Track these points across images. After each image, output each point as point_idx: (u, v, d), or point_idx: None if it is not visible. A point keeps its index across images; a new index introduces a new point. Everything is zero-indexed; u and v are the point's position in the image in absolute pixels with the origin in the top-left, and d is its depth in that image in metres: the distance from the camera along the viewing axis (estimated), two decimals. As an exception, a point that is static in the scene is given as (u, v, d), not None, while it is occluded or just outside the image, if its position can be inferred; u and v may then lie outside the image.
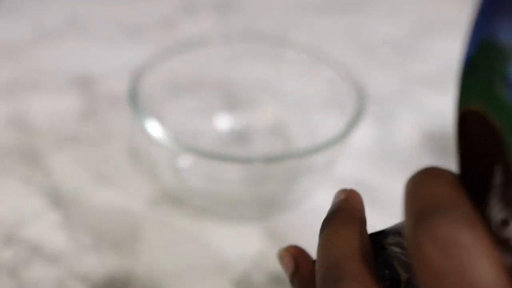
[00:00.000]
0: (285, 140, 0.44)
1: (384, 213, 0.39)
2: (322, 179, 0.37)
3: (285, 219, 0.38)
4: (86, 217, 0.38)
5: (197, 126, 0.43)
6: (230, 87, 0.44)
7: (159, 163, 0.37)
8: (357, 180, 0.42)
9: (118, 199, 0.39)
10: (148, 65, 0.38)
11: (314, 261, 0.23)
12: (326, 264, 0.19)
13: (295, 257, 0.23)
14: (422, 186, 0.16)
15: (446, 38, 0.61)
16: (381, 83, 0.53)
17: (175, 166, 0.35)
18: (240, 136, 0.44)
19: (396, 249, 0.20)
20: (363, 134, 0.46)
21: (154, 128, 0.34)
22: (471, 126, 0.16)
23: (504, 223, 0.15)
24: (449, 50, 0.58)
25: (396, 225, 0.21)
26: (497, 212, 0.16)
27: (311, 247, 0.37)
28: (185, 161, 0.34)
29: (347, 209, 0.21)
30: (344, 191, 0.22)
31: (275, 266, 0.35)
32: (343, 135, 0.34)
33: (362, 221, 0.21)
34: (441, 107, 0.50)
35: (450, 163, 0.44)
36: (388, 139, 0.46)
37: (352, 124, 0.35)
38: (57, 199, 0.39)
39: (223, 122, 0.44)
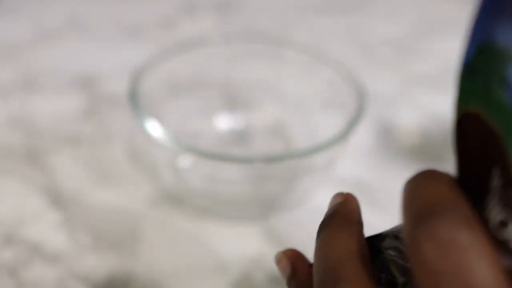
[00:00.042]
0: (285, 140, 0.44)
1: (384, 213, 0.39)
2: (322, 179, 0.37)
3: (285, 219, 0.38)
4: (86, 217, 0.38)
5: (197, 126, 0.43)
6: (230, 87, 0.44)
7: (159, 163, 0.37)
8: (357, 180, 0.42)
9: (118, 199, 0.39)
10: (148, 65, 0.38)
11: (311, 265, 0.23)
12: (323, 267, 0.19)
13: (292, 260, 0.23)
14: (420, 188, 0.16)
15: (446, 38, 0.61)
16: (381, 83, 0.53)
17: (175, 166, 0.35)
18: (240, 136, 0.44)
19: (392, 253, 0.20)
20: (363, 134, 0.46)
21: (154, 128, 0.34)
22: (469, 128, 0.16)
23: (503, 224, 0.15)
24: (449, 50, 0.58)
25: (393, 228, 0.21)
26: (495, 213, 0.16)
27: (311, 247, 0.37)
28: (185, 161, 0.34)
29: (343, 213, 0.21)
30: (341, 195, 0.22)
31: (275, 266, 0.36)
32: (343, 135, 0.34)
33: (359, 224, 0.21)
34: (441, 107, 0.50)
35: (450, 163, 0.44)
36: (388, 139, 0.46)
37: (352, 124, 0.35)
38: (57, 199, 0.39)
39: (223, 122, 0.44)
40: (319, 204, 0.40)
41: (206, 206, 0.37)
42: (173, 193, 0.40)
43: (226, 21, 0.61)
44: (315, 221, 0.39)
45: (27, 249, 0.36)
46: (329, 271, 0.18)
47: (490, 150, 0.16)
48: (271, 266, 0.36)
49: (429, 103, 0.51)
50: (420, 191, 0.16)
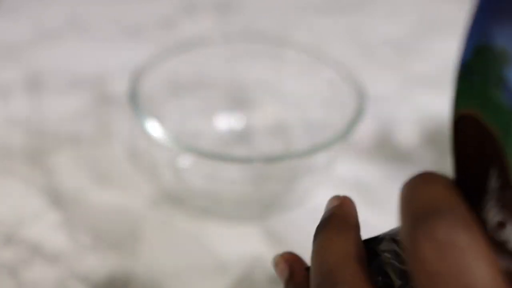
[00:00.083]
0: (285, 140, 0.44)
1: (383, 213, 0.39)
2: (322, 179, 0.37)
3: (285, 219, 0.38)
4: (86, 217, 0.38)
5: (197, 126, 0.43)
6: (230, 87, 0.44)
7: (159, 163, 0.37)
8: (357, 180, 0.42)
9: (118, 199, 0.39)
10: (148, 65, 0.38)
11: (307, 268, 0.23)
12: (320, 270, 0.19)
13: (289, 263, 0.23)
14: (417, 190, 0.16)
15: (446, 38, 0.61)
16: (381, 83, 0.53)
17: (175, 166, 0.35)
18: (240, 136, 0.44)
19: (389, 256, 0.20)
20: (363, 134, 0.46)
21: (154, 128, 0.34)
22: (467, 129, 0.16)
23: (501, 225, 0.15)
24: (449, 50, 0.58)
25: (389, 231, 0.21)
26: (493, 214, 0.16)
27: (311, 247, 0.37)
28: (185, 161, 0.34)
29: (340, 216, 0.21)
30: (337, 198, 0.22)
31: (275, 266, 0.35)
32: (343, 135, 0.34)
33: (356, 227, 0.21)
34: (441, 107, 0.50)
35: (450, 163, 0.44)
36: (388, 139, 0.46)
37: (352, 124, 0.35)
38: (57, 199, 0.39)
39: (223, 122, 0.44)
40: (319, 204, 0.40)
41: (206, 206, 0.37)
42: (173, 193, 0.40)
43: (226, 21, 0.61)
44: (315, 221, 0.39)
45: (27, 249, 0.36)
46: (326, 274, 0.18)
47: (488, 151, 0.16)
48: (271, 266, 0.36)
49: (429, 103, 0.51)
50: (417, 193, 0.16)
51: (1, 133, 0.44)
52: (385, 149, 0.45)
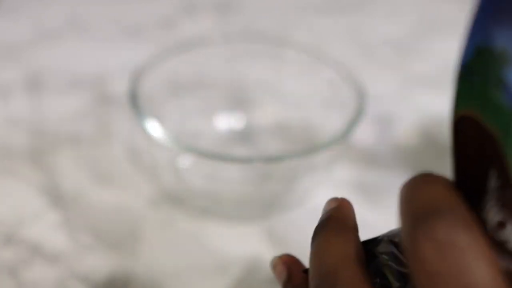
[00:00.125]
0: (285, 140, 0.44)
1: (383, 213, 0.39)
2: (322, 179, 0.37)
3: (285, 219, 0.38)
4: (86, 217, 0.38)
5: (197, 126, 0.43)
6: (230, 87, 0.44)
7: (159, 163, 0.37)
8: (357, 180, 0.42)
9: (118, 199, 0.39)
10: (148, 65, 0.38)
11: (305, 270, 0.23)
12: (319, 272, 0.19)
13: (287, 265, 0.23)
14: (417, 190, 0.16)
15: (446, 38, 0.61)
16: (381, 83, 0.53)
17: (175, 166, 0.35)
18: (240, 136, 0.44)
19: (387, 258, 0.20)
20: (363, 134, 0.46)
21: (154, 128, 0.34)
22: (467, 130, 0.17)
23: (501, 225, 0.15)
24: (449, 50, 0.58)
25: (388, 232, 0.21)
26: (493, 214, 0.16)
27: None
28: (185, 161, 0.34)
29: (338, 217, 0.21)
30: (335, 200, 0.22)
31: (275, 266, 0.35)
32: (343, 135, 0.34)
33: (354, 229, 0.21)
34: (441, 107, 0.50)
35: (449, 163, 0.44)
36: (388, 139, 0.46)
37: (352, 124, 0.35)
38: (57, 199, 0.39)
39: (223, 122, 0.44)
40: (319, 204, 0.40)
41: (206, 206, 0.37)
42: (173, 193, 0.40)
43: (226, 21, 0.61)
44: (315, 221, 0.39)
45: (27, 249, 0.36)
46: (325, 275, 0.18)
47: (487, 152, 0.16)
48: (270, 267, 0.35)
49: (429, 103, 0.51)
50: (417, 193, 0.16)
51: (1, 133, 0.44)
52: (384, 149, 0.45)
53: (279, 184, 0.35)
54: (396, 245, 0.20)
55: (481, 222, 0.16)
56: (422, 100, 0.51)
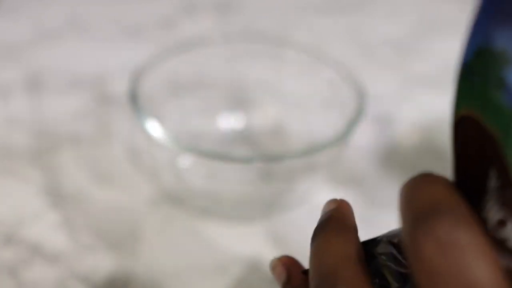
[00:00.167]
0: (285, 140, 0.44)
1: (383, 213, 0.39)
2: (322, 179, 0.37)
3: (285, 219, 0.38)
4: (86, 217, 0.38)
5: (197, 126, 0.43)
6: (230, 87, 0.44)
7: (159, 163, 0.37)
8: (357, 180, 0.42)
9: (118, 199, 0.39)
10: (148, 65, 0.38)
11: (304, 271, 0.23)
12: (319, 272, 0.19)
13: (287, 266, 0.23)
14: (418, 190, 0.17)
15: (446, 38, 0.61)
16: (381, 83, 0.53)
17: (175, 166, 0.35)
18: (240, 136, 0.44)
19: (386, 258, 0.20)
20: (363, 134, 0.46)
21: (154, 128, 0.34)
22: (467, 130, 0.17)
23: (501, 223, 0.15)
24: (449, 50, 0.58)
25: (387, 233, 0.21)
26: (493, 213, 0.16)
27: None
28: (185, 161, 0.34)
29: (338, 218, 0.21)
30: (334, 201, 0.22)
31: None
32: (343, 135, 0.34)
33: (354, 229, 0.21)
34: (441, 107, 0.50)
35: (449, 163, 0.44)
36: (388, 139, 0.46)
37: (352, 124, 0.35)
38: (57, 199, 0.39)
39: (223, 122, 0.44)
40: (319, 204, 0.40)
41: (206, 206, 0.37)
42: (173, 193, 0.40)
43: (226, 21, 0.61)
44: (315, 221, 0.39)
45: (27, 249, 0.36)
46: (325, 276, 0.18)
47: (488, 152, 0.16)
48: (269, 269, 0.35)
49: (429, 103, 0.51)
50: (417, 193, 0.16)
51: (1, 133, 0.44)
52: (384, 149, 0.45)
53: (279, 184, 0.35)
54: (395, 245, 0.20)
55: (482, 221, 0.16)
56: (422, 100, 0.51)
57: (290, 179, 0.34)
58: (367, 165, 0.43)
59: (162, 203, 0.39)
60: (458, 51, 0.59)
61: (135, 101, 0.36)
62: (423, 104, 0.50)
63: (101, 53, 0.54)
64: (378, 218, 0.39)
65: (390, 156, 0.44)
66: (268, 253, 0.36)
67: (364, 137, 0.46)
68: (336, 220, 0.21)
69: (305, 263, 0.36)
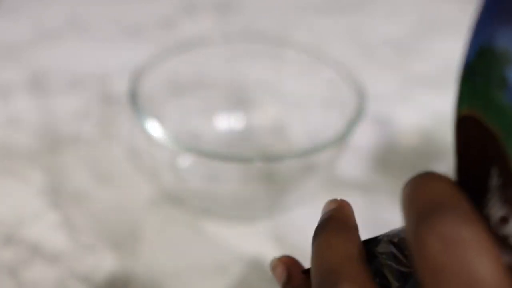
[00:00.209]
0: (285, 140, 0.44)
1: (383, 212, 0.39)
2: (322, 179, 0.37)
3: (285, 219, 0.38)
4: (86, 217, 0.38)
5: (197, 126, 0.43)
6: (230, 87, 0.44)
7: (159, 163, 0.37)
8: (357, 180, 0.42)
9: (118, 199, 0.39)
10: (148, 65, 0.38)
11: (304, 270, 0.23)
12: (321, 270, 0.19)
13: (287, 266, 0.23)
14: (421, 188, 0.17)
15: (446, 38, 0.61)
16: (381, 83, 0.53)
17: (175, 166, 0.35)
18: (240, 136, 0.44)
19: (387, 257, 0.20)
20: (363, 134, 0.46)
21: (154, 128, 0.34)
22: (469, 130, 0.17)
23: (504, 220, 0.15)
24: (449, 50, 0.58)
25: (387, 232, 0.21)
26: (495, 211, 0.16)
27: (311, 248, 0.37)
28: (185, 161, 0.34)
29: (339, 217, 0.21)
30: (335, 201, 0.22)
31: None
32: (343, 135, 0.34)
33: (355, 229, 0.21)
34: (441, 107, 0.50)
35: (450, 163, 0.44)
36: (388, 139, 0.46)
37: (352, 124, 0.35)
38: (57, 199, 0.39)
39: (223, 122, 0.44)
40: (319, 204, 0.40)
41: (206, 206, 0.37)
42: (173, 193, 0.40)
43: (226, 21, 0.61)
44: (315, 221, 0.39)
45: (27, 249, 0.36)
46: (327, 274, 0.18)
47: (489, 151, 0.16)
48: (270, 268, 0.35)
49: (429, 103, 0.51)
50: (420, 191, 0.17)
51: (1, 133, 0.44)
52: (384, 149, 0.45)
53: (279, 184, 0.35)
54: (395, 245, 0.20)
55: (484, 218, 0.16)
56: (422, 100, 0.51)
57: (290, 179, 0.34)
58: (367, 165, 0.43)
59: (162, 203, 0.39)
60: (458, 51, 0.59)
61: (135, 101, 0.36)
62: (423, 104, 0.50)
63: (101, 53, 0.54)
64: (378, 218, 0.39)
65: (389, 156, 0.44)
66: (268, 253, 0.36)
67: (364, 137, 0.46)
68: (337, 220, 0.21)
69: (305, 263, 0.36)
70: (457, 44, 0.60)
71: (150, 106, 0.38)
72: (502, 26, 0.15)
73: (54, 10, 0.61)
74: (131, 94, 0.36)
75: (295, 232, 0.38)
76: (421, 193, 0.16)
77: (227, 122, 0.44)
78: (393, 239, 0.20)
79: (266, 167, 0.33)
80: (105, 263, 0.35)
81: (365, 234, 0.38)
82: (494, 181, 0.16)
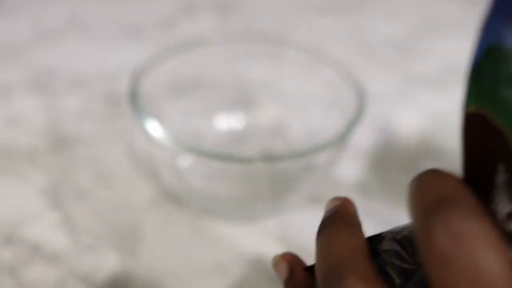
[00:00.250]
0: (285, 140, 0.44)
1: (383, 213, 0.39)
2: (322, 179, 0.37)
3: (285, 219, 0.38)
4: (86, 217, 0.38)
5: (197, 126, 0.43)
6: (230, 87, 0.44)
7: (159, 163, 0.37)
8: (357, 180, 0.42)
9: (118, 199, 0.39)
10: (148, 65, 0.38)
11: (306, 267, 0.23)
12: (326, 265, 0.19)
13: (289, 263, 0.23)
14: (428, 184, 0.17)
15: (446, 38, 0.61)
16: (381, 83, 0.53)
17: (175, 166, 0.35)
18: (240, 136, 0.44)
19: (390, 254, 0.20)
20: (363, 134, 0.46)
21: (154, 128, 0.34)
22: (476, 127, 0.17)
23: (510, 216, 0.16)
24: (449, 50, 0.59)
25: (391, 230, 0.21)
26: (502, 206, 0.16)
27: (311, 247, 0.37)
28: (185, 161, 0.34)
29: (343, 213, 0.21)
30: (338, 199, 0.22)
31: (275, 266, 0.35)
32: (343, 135, 0.34)
33: (359, 225, 0.21)
34: (441, 107, 0.50)
35: (450, 163, 0.44)
36: (388, 139, 0.46)
37: (352, 124, 0.35)
38: (57, 199, 0.39)
39: (223, 122, 0.44)
40: (319, 204, 0.40)
41: (206, 206, 0.37)
42: (173, 193, 0.40)
43: (226, 21, 0.61)
44: (315, 221, 0.39)
45: (27, 249, 0.36)
46: (332, 268, 0.18)
47: (496, 148, 0.16)
48: (271, 266, 0.36)
49: (429, 103, 0.51)
50: (427, 187, 0.17)
51: (1, 133, 0.44)
52: (384, 149, 0.45)
53: (279, 184, 0.35)
54: (398, 242, 0.20)
55: (491, 214, 0.16)
56: (422, 100, 0.51)
57: (290, 179, 0.34)
58: (367, 165, 0.43)
59: (162, 203, 0.39)
60: (458, 51, 0.59)
61: (135, 101, 0.36)
62: (423, 104, 0.50)
63: (101, 53, 0.54)
64: (378, 217, 0.39)
65: (389, 156, 0.44)
66: (268, 253, 0.36)
67: (364, 137, 0.46)
68: (341, 216, 0.21)
69: (306, 262, 0.36)
70: (457, 44, 0.60)
71: (150, 106, 0.38)
72: (511, 25, 0.15)
73: (54, 10, 0.61)
74: (131, 94, 0.36)
75: (295, 232, 0.38)
76: (428, 189, 0.17)
77: (227, 122, 0.44)
78: (397, 237, 0.20)
79: (266, 167, 0.33)
80: (105, 263, 0.35)
81: (364, 233, 0.38)
82: (501, 177, 0.16)
